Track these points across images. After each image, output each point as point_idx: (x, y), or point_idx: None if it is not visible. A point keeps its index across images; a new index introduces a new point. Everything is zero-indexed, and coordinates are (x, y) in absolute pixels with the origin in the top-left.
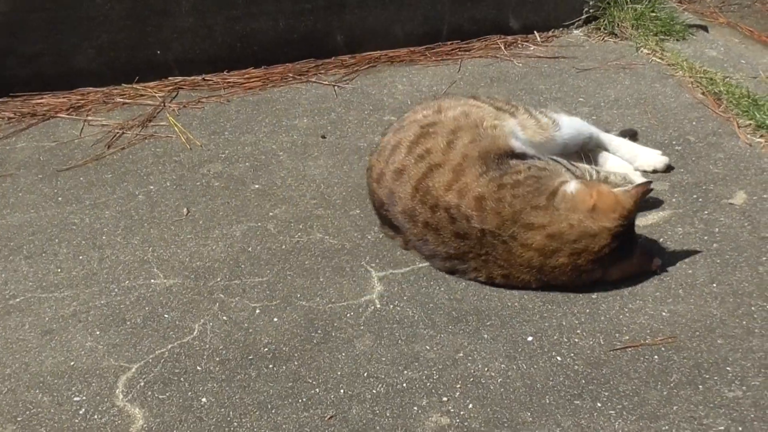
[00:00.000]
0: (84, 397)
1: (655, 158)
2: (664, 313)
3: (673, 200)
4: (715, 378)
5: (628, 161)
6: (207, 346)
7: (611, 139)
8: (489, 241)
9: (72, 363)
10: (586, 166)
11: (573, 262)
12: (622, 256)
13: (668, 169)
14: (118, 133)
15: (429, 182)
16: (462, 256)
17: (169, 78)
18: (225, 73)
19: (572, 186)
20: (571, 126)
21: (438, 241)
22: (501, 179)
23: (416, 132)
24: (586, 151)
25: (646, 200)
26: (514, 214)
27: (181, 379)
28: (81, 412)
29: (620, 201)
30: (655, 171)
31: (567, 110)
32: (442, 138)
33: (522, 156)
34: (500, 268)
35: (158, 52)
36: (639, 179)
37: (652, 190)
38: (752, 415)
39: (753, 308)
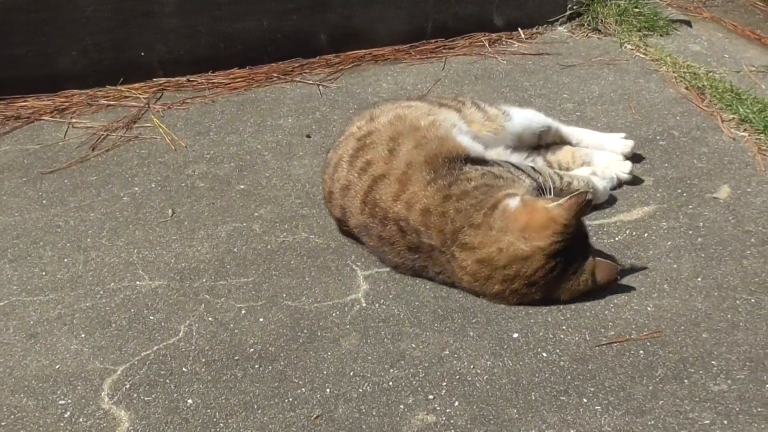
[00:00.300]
0: (69, 401)
1: (620, 143)
2: (649, 308)
3: (658, 195)
4: (701, 372)
5: (595, 149)
6: (193, 347)
7: (573, 131)
8: (437, 258)
9: (57, 366)
10: (549, 171)
11: (508, 288)
12: (571, 273)
13: (635, 156)
14: (102, 135)
15: (375, 195)
16: (422, 269)
17: (154, 79)
18: (210, 73)
19: (515, 201)
20: (523, 116)
21: (394, 253)
22: (449, 188)
23: (353, 145)
24: (548, 143)
25: (630, 196)
26: (453, 232)
27: (167, 380)
28: (66, 416)
29: (553, 217)
30: (625, 157)
31: (550, 106)
32: (381, 147)
33: (479, 161)
34: (460, 282)
35: (142, 53)
36: (601, 183)
37: (590, 201)
38: (737, 409)
39: (738, 302)
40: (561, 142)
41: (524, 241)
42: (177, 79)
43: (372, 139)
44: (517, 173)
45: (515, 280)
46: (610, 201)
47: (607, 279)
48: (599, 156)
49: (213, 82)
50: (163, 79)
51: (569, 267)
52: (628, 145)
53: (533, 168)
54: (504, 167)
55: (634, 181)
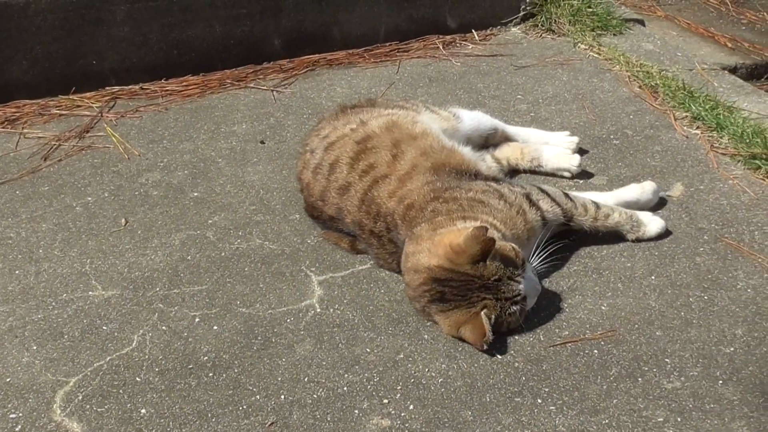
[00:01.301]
0: (20, 414)
1: (566, 140)
2: (603, 307)
3: None
4: (654, 370)
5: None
6: (146, 356)
7: (519, 131)
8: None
9: (8, 379)
10: (584, 200)
11: (408, 293)
12: (449, 308)
13: (580, 151)
14: (54, 145)
15: (374, 192)
16: (399, 265)
17: (106, 88)
18: (162, 81)
19: (470, 224)
20: (472, 118)
21: (379, 246)
22: (443, 192)
23: (354, 149)
24: (494, 144)
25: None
26: (414, 225)
27: (120, 391)
28: (17, 429)
29: (455, 243)
30: (573, 152)
31: (504, 107)
32: (385, 152)
33: (496, 179)
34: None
35: (94, 61)
36: (651, 220)
37: (491, 240)
38: (691, 405)
39: (691, 299)
40: (507, 141)
41: (427, 254)
42: (130, 87)
43: (373, 144)
44: (538, 197)
45: (409, 286)
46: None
47: (471, 340)
48: (548, 150)
49: (166, 90)
50: (115, 88)
51: (447, 301)
52: (573, 141)
53: (567, 195)
54: (525, 188)
55: (582, 174)
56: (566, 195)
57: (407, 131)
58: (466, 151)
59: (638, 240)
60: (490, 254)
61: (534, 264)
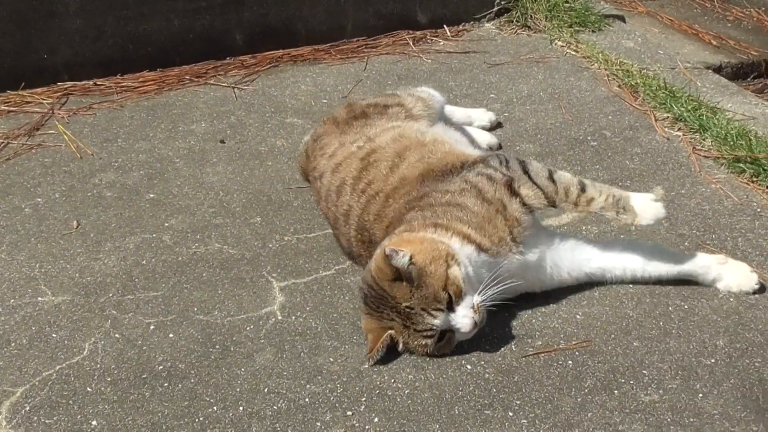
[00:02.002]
0: None
1: (485, 115)
2: (578, 316)
3: None
4: (631, 382)
5: (464, 124)
6: (98, 365)
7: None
8: None
9: None
10: (567, 181)
11: None
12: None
13: (498, 125)
14: (2, 143)
15: (365, 216)
16: None
17: (58, 83)
18: (118, 77)
19: (438, 234)
20: (438, 94)
21: None
22: (419, 200)
23: (358, 166)
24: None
25: None
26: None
27: (70, 401)
28: None
29: (380, 258)
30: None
31: (477, 107)
32: (385, 164)
33: (483, 160)
34: None
35: (45, 56)
36: (643, 202)
37: (397, 267)
38: (669, 419)
39: (670, 308)
40: None
41: (375, 257)
42: (83, 83)
43: (377, 157)
44: (519, 183)
45: (362, 283)
46: None
47: (367, 347)
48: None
49: (121, 86)
50: (68, 83)
51: (367, 305)
52: (491, 115)
53: (551, 176)
54: (510, 169)
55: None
56: (550, 175)
57: (416, 139)
58: (455, 141)
59: (626, 227)
60: (406, 278)
61: (477, 301)
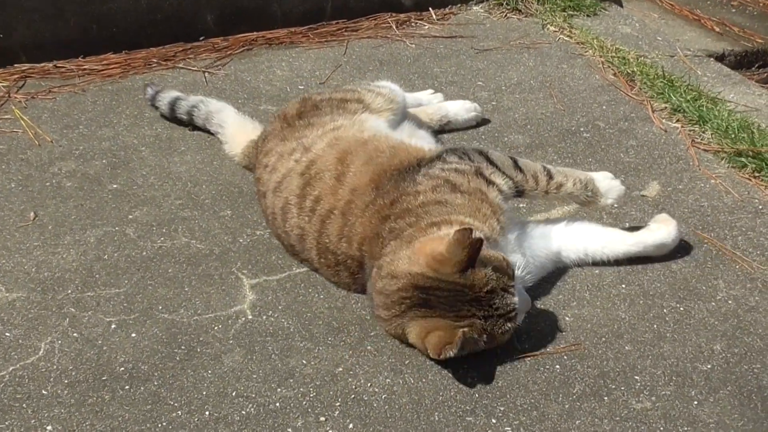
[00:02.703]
0: None
1: (433, 97)
2: (567, 318)
3: None
4: (622, 388)
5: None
6: (54, 366)
7: None
8: None
9: None
10: (534, 169)
11: (376, 302)
12: (418, 317)
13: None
14: None
15: (325, 238)
16: None
17: (15, 65)
18: (80, 59)
19: (447, 230)
20: (398, 88)
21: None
22: (390, 208)
23: (299, 183)
24: None
25: None
26: (381, 251)
27: (24, 405)
28: None
29: (439, 250)
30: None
31: (463, 95)
32: (329, 174)
33: (439, 157)
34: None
35: (1, 36)
36: (608, 184)
37: (479, 240)
38: (662, 428)
39: (665, 310)
40: None
41: (407, 262)
42: (42, 65)
43: (318, 168)
44: (489, 171)
45: (381, 294)
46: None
47: (431, 345)
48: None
49: (84, 69)
50: (26, 65)
51: (433, 307)
52: (437, 95)
53: (517, 164)
54: (474, 161)
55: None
56: (515, 164)
57: (355, 139)
58: (408, 136)
59: (595, 209)
60: (478, 260)
61: (521, 274)
